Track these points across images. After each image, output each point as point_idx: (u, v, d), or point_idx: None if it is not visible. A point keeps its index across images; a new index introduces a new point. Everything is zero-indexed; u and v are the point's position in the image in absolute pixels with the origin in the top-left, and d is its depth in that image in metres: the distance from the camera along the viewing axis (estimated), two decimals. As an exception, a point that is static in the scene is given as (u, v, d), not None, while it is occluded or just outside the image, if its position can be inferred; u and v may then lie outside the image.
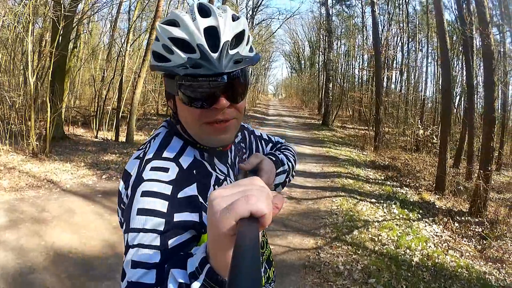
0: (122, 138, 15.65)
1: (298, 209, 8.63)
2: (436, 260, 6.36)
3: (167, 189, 1.18)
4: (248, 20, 41.49)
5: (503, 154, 16.75)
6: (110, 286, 4.95)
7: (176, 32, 1.21)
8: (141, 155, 1.36)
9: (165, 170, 1.24)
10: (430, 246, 6.97)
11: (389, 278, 5.59)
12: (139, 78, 15.25)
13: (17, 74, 15.38)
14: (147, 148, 1.37)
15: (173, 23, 1.24)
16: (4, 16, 12.96)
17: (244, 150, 1.83)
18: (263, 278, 1.58)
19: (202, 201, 1.24)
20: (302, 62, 64.23)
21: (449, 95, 12.39)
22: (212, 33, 1.20)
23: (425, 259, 6.40)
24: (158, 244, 1.07)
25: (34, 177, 9.16)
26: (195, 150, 1.40)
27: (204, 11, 1.25)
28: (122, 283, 1.08)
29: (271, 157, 1.70)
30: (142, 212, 1.11)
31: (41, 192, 8.22)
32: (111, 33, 22.04)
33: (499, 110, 17.61)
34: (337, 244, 6.71)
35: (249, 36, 1.32)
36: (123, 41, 21.47)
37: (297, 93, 66.31)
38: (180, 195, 1.19)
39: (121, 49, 18.47)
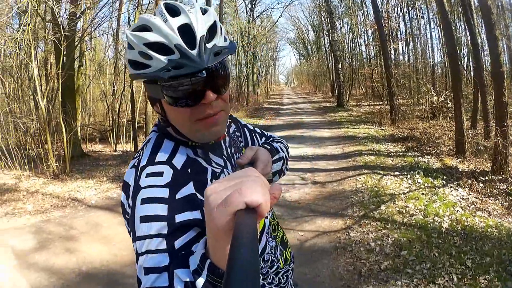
0: (141, 147, 15.67)
1: (324, 192, 8.69)
2: (465, 223, 6.37)
3: (165, 193, 1.20)
4: (248, 13, 41.46)
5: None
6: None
7: (151, 36, 1.21)
8: (136, 163, 1.38)
9: (160, 174, 1.27)
10: (457, 210, 6.97)
11: (420, 248, 5.63)
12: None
13: (27, 99, 15.73)
14: (141, 156, 1.39)
15: (145, 28, 1.24)
16: (4, 45, 13.13)
17: (240, 139, 1.86)
18: (260, 270, 1.59)
19: (201, 198, 1.26)
20: (309, 47, 63.95)
21: (455, 58, 12.32)
22: (186, 31, 1.20)
23: (454, 223, 6.42)
24: (165, 247, 1.10)
25: (58, 197, 9.28)
26: (187, 148, 1.42)
27: (173, 10, 1.25)
28: None
29: (265, 146, 1.72)
30: (145, 219, 1.14)
31: (67, 211, 8.37)
32: (114, 47, 22.13)
33: (507, 65, 17.47)
34: (366, 222, 6.77)
35: (221, 26, 1.33)
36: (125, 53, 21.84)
37: (308, 79, 66.09)
38: (178, 196, 1.22)
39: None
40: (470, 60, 21.11)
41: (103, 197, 9.32)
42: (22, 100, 15.40)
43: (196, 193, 1.27)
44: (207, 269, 0.89)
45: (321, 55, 51.97)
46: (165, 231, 1.11)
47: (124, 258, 6.05)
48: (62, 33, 11.93)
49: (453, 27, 17.47)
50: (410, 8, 28.91)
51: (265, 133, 2.14)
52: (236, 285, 0.56)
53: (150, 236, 1.11)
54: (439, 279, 4.79)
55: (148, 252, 1.10)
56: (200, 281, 0.90)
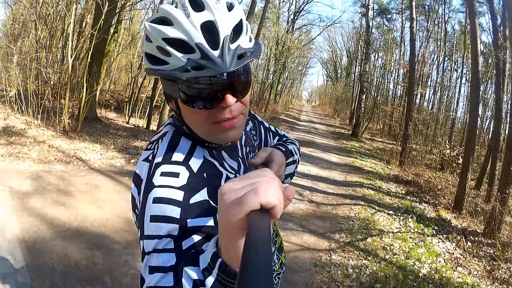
0: (153, 126, 15.79)
1: (317, 212, 8.83)
2: (444, 275, 6.52)
3: (179, 195, 1.17)
4: (289, 25, 41.52)
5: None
6: (128, 261, 5.17)
7: (171, 31, 1.14)
8: (150, 157, 1.32)
9: (176, 175, 1.22)
10: (440, 261, 7.12)
11: (394, 285, 5.80)
12: (176, 69, 15.35)
13: (55, 51, 15.63)
14: (156, 150, 1.33)
15: (165, 21, 1.16)
16: None
17: (256, 138, 1.84)
18: (274, 270, 1.58)
19: (214, 205, 1.23)
20: (339, 71, 63.93)
21: (475, 117, 12.44)
22: (209, 29, 1.14)
23: (433, 272, 6.56)
24: (173, 247, 1.08)
25: (63, 152, 9.46)
26: (204, 149, 1.38)
27: (197, 4, 1.17)
28: None
29: (280, 147, 1.70)
30: (155, 219, 1.12)
31: (69, 168, 8.52)
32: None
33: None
34: (350, 249, 6.93)
35: (247, 25, 1.27)
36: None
37: (330, 102, 65.98)
38: (192, 200, 1.18)
39: None
40: (492, 123, 21.23)
41: (106, 164, 9.46)
42: (50, 50, 15.26)
43: (209, 200, 1.24)
44: (218, 268, 0.88)
45: (349, 82, 52.09)
46: (175, 233, 1.10)
47: (115, 225, 6.16)
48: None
49: (483, 87, 17.52)
50: (446, 59, 28.98)
51: (279, 132, 2.10)
52: (250, 286, 0.57)
53: (159, 237, 1.10)
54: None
55: (155, 251, 1.09)
56: (210, 280, 0.89)
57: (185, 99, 1.20)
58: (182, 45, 1.12)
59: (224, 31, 1.14)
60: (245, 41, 1.22)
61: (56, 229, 5.68)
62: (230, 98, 1.18)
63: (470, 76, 15.30)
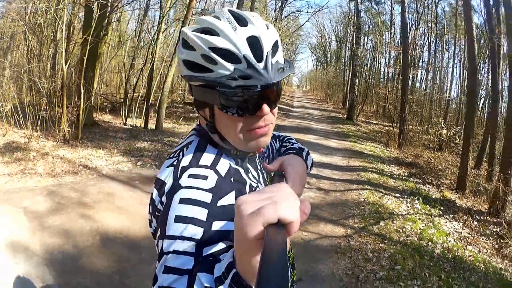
0: (151, 125, 15.98)
1: (327, 199, 9.06)
2: (456, 254, 6.87)
3: (207, 197, 1.19)
4: (277, 13, 41.38)
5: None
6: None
7: (219, 42, 1.21)
8: (174, 163, 1.34)
9: (204, 177, 1.25)
10: (450, 240, 7.46)
11: (413, 266, 6.15)
12: (170, 67, 15.54)
13: (45, 60, 15.59)
14: (181, 157, 1.36)
15: (210, 31, 1.24)
16: (39, 3, 13.27)
17: (265, 150, 1.93)
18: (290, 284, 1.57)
19: None
20: (328, 55, 63.70)
21: (473, 99, 12.78)
22: (254, 43, 1.22)
23: (446, 251, 6.91)
24: (193, 251, 1.08)
25: (68, 162, 9.48)
26: (230, 158, 1.42)
27: (240, 19, 1.26)
28: (154, 287, 1.10)
29: (291, 151, 1.76)
30: (181, 219, 1.13)
31: (78, 178, 8.55)
32: (141, 21, 22.17)
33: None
34: (365, 234, 7.24)
35: (280, 45, 1.35)
36: (149, 28, 21.89)
37: (321, 86, 65.39)
38: (219, 203, 1.20)
39: (153, 37, 18.68)
40: (486, 102, 21.42)
41: (114, 169, 9.54)
42: (41, 60, 15.26)
43: None
44: (231, 279, 0.88)
45: (339, 66, 52.00)
46: (198, 237, 1.10)
47: (138, 232, 6.25)
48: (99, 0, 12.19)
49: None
50: (437, 40, 29.02)
51: (277, 134, 2.15)
52: None
53: (182, 238, 1.10)
54: (428, 296, 5.28)
55: (175, 252, 1.09)
56: None
57: (225, 106, 1.25)
58: (229, 56, 1.20)
59: (267, 46, 1.23)
60: (281, 58, 1.31)
61: (81, 246, 5.70)
62: (266, 108, 1.26)
63: (467, 60, 15.40)
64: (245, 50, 1.19)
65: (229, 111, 1.26)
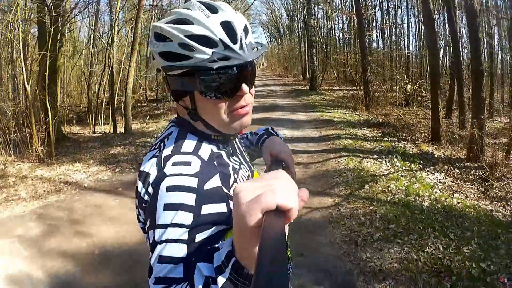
0: (120, 129, 15.72)
1: (309, 172, 9.14)
2: (445, 203, 7.02)
3: (193, 182, 1.20)
4: (226, -5, 41.21)
5: (494, 102, 17.19)
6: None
7: (194, 29, 1.24)
8: (157, 154, 1.34)
9: (188, 163, 1.26)
10: (436, 191, 7.60)
11: (406, 222, 6.26)
12: (130, 68, 15.40)
13: (6, 82, 15.25)
14: (163, 147, 1.37)
15: (184, 21, 1.28)
16: None
17: (246, 134, 2.01)
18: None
19: (226, 191, 1.28)
20: (281, 30, 63.94)
21: (435, 52, 12.93)
22: (228, 27, 1.26)
23: (434, 203, 7.05)
24: (186, 238, 1.09)
25: (49, 181, 9.17)
26: (211, 143, 1.43)
27: (211, 8, 1.30)
28: (150, 279, 1.10)
29: (263, 137, 1.87)
30: (170, 207, 1.13)
31: (62, 196, 8.29)
32: (93, 27, 21.86)
33: (486, 60, 18.10)
34: (353, 199, 7.32)
35: (249, 27, 1.39)
36: (102, 33, 21.62)
37: (279, 61, 65.71)
38: (206, 187, 1.21)
39: (108, 41, 18.32)
40: (447, 52, 21.66)
41: (94, 180, 9.37)
42: (2, 82, 14.85)
43: (222, 186, 1.28)
44: (231, 267, 0.88)
45: (294, 39, 52.15)
46: (189, 222, 1.12)
47: (134, 238, 6.10)
48: (50, 14, 12.03)
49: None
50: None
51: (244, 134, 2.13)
52: (266, 287, 0.58)
53: (173, 225, 1.11)
54: (427, 248, 5.44)
55: (167, 241, 1.10)
56: (222, 279, 0.88)
57: (206, 90, 1.29)
58: (206, 41, 1.23)
59: (239, 29, 1.28)
60: (252, 40, 1.38)
61: (82, 264, 5.59)
62: (245, 87, 1.31)
63: (423, 15, 15.52)
64: (220, 34, 1.24)
65: (210, 95, 1.30)
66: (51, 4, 12.50)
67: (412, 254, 5.28)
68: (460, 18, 16.31)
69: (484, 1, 18.68)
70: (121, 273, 5.30)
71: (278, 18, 63.02)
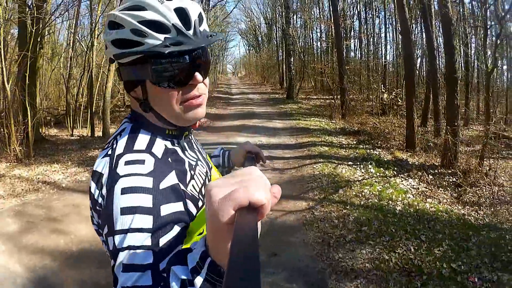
0: (98, 133, 15.60)
1: (284, 178, 9.24)
2: (417, 208, 7.14)
3: (148, 182, 1.15)
4: (204, 3, 41.35)
5: (469, 110, 17.37)
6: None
7: (147, 14, 1.21)
8: (109, 152, 1.29)
9: (141, 162, 1.21)
10: (409, 197, 7.71)
11: (379, 225, 6.37)
12: (109, 72, 15.30)
13: None
14: (115, 145, 1.30)
15: (137, 7, 1.24)
16: None
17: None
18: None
19: (184, 188, 1.27)
20: (259, 38, 64.34)
21: (411, 61, 13.11)
22: (182, 13, 1.23)
23: (407, 207, 7.16)
24: (150, 243, 1.05)
25: (27, 181, 9.20)
26: (165, 138, 1.40)
27: None
28: None
29: (223, 150, 2.05)
30: (127, 211, 1.09)
31: (40, 195, 8.25)
32: (73, 31, 21.54)
33: (462, 69, 18.30)
34: (327, 203, 7.41)
35: (204, 16, 1.37)
36: (82, 37, 21.52)
37: (257, 70, 66.01)
38: (161, 186, 1.18)
39: (88, 45, 18.03)
40: (424, 61, 21.88)
41: (72, 180, 9.29)
42: None
43: (179, 183, 1.26)
44: (207, 267, 0.84)
45: (272, 47, 52.56)
46: (149, 225, 1.08)
47: None
48: (32, 15, 11.99)
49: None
50: (366, 8, 29.48)
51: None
52: (237, 284, 0.57)
53: (133, 230, 1.07)
54: (398, 249, 5.54)
55: (130, 248, 1.05)
56: (199, 280, 0.85)
57: (158, 79, 1.25)
58: (158, 26, 1.20)
59: (194, 15, 1.25)
60: (207, 28, 1.35)
61: (60, 259, 5.56)
62: (199, 76, 1.27)
63: (400, 23, 15.72)
64: (174, 19, 1.21)
65: (162, 84, 1.27)
66: (33, 5, 12.48)
67: (384, 254, 5.37)
68: (437, 28, 16.52)
69: (461, 9, 18.95)
70: (101, 269, 5.23)
71: (257, 27, 63.56)
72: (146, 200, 1.10)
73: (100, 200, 1.20)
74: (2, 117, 11.69)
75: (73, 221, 6.85)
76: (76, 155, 11.75)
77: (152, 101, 1.32)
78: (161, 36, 1.19)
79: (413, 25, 22.42)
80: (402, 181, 8.72)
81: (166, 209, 1.12)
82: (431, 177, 8.85)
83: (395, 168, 9.65)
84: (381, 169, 9.58)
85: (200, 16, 1.30)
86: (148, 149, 1.27)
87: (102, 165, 1.24)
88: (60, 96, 20.33)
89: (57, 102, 21.21)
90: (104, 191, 1.18)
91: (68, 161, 10.95)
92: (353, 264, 5.21)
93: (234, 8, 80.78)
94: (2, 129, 11.42)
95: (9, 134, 10.93)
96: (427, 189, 8.19)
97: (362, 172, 9.39)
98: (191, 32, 1.22)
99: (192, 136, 1.62)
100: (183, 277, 0.87)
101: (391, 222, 6.50)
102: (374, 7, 29.29)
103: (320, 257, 5.44)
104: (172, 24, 1.20)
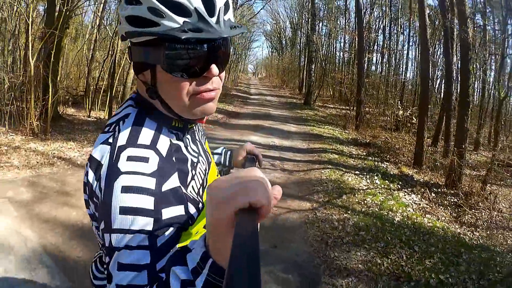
0: (116, 117, 15.44)
1: (292, 179, 9.45)
2: (415, 221, 7.38)
3: (151, 183, 1.10)
4: (233, 2, 41.42)
5: (481, 135, 17.52)
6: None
7: None
8: (110, 140, 1.21)
9: (145, 160, 1.14)
10: (409, 210, 7.94)
11: (376, 231, 6.62)
12: (132, 61, 15.22)
13: (7, 54, 15.17)
14: (117, 132, 1.22)
15: None
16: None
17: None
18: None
19: (185, 191, 1.21)
20: (283, 42, 64.30)
21: (427, 81, 13.27)
22: None
23: (405, 219, 7.40)
24: (147, 244, 1.04)
25: (42, 155, 9.30)
26: (170, 132, 1.32)
27: None
28: (110, 286, 1.06)
29: (225, 150, 2.04)
30: (127, 211, 1.05)
31: (55, 169, 8.46)
32: (100, 14, 21.52)
33: (479, 95, 18.38)
34: (330, 206, 7.67)
35: (231, 5, 1.27)
36: (109, 21, 21.81)
37: (277, 73, 65.81)
38: (164, 188, 1.13)
39: (115, 29, 17.75)
40: (442, 83, 21.93)
41: (88, 159, 9.15)
42: (3, 54, 14.82)
43: (181, 185, 1.20)
44: (209, 268, 0.84)
45: (295, 52, 52.65)
46: (149, 228, 1.05)
47: None
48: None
49: (431, 49, 18.20)
50: (392, 23, 29.49)
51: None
52: (237, 285, 0.58)
53: (132, 231, 1.04)
54: (391, 255, 5.79)
55: (127, 247, 1.04)
56: (200, 280, 0.85)
57: (170, 66, 1.15)
58: (179, 8, 1.10)
59: (219, 2, 1.14)
60: (232, 18, 1.25)
61: (70, 230, 5.72)
62: (215, 68, 1.18)
63: (420, 43, 15.91)
64: (197, 3, 1.10)
65: (174, 72, 1.16)
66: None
67: (377, 258, 5.64)
68: (458, 51, 16.58)
69: (482, 34, 19.04)
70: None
71: (282, 30, 63.53)
72: (147, 202, 1.07)
73: (97, 192, 1.15)
74: (22, 90, 11.97)
75: (85, 197, 7.01)
76: (93, 135, 11.85)
77: (160, 88, 1.23)
78: (180, 20, 1.10)
79: (437, 45, 22.51)
80: (405, 195, 8.93)
81: (167, 213, 1.10)
82: (433, 195, 9.06)
83: (400, 182, 9.86)
84: (386, 181, 9.79)
85: (226, 4, 1.20)
86: (153, 145, 1.20)
87: (102, 154, 1.19)
88: (80, 77, 20.30)
89: (76, 83, 21.14)
90: (102, 184, 1.12)
91: (84, 140, 11.13)
92: (347, 263, 5.48)
93: (261, 9, 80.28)
94: (20, 103, 11.57)
95: (28, 108, 11.05)
96: (428, 206, 8.40)
97: (368, 182, 9.61)
98: (214, 19, 1.13)
99: (196, 127, 1.59)
100: (184, 277, 0.87)
101: (388, 230, 6.76)
102: (399, 23, 29.38)
103: (317, 254, 5.71)
104: (195, 8, 1.10)
